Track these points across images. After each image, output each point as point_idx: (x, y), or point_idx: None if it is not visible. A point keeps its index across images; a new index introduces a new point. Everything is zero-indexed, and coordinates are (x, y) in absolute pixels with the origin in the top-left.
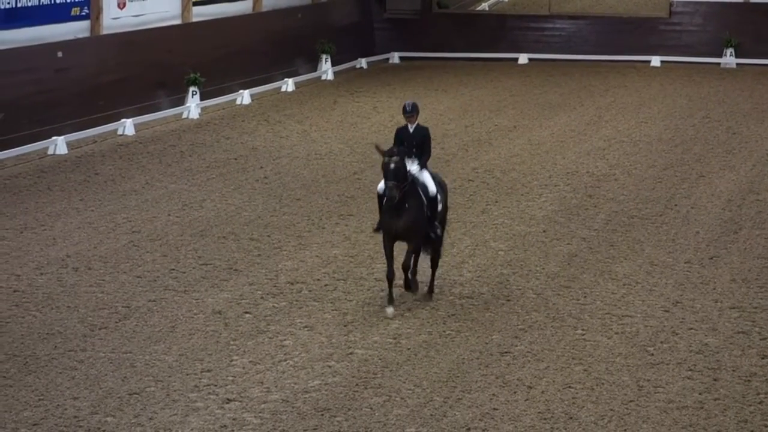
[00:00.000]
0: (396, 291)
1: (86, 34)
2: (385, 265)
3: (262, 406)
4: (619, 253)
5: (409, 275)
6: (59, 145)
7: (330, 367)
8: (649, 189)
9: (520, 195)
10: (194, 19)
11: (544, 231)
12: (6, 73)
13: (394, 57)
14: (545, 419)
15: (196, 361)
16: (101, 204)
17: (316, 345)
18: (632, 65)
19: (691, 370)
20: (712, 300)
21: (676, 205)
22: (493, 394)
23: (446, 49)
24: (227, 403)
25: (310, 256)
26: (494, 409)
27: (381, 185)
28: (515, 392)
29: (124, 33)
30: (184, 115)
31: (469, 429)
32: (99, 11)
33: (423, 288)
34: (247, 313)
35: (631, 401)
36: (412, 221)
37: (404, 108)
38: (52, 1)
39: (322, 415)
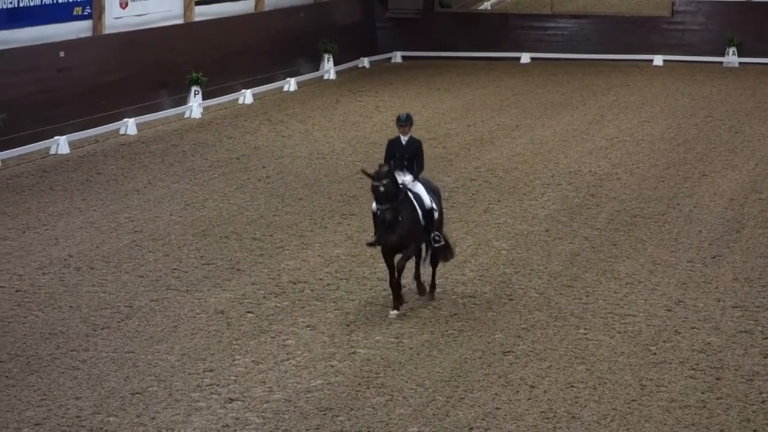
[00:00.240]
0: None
1: (88, 34)
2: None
3: (265, 405)
4: (621, 252)
5: (413, 280)
6: (61, 144)
7: (332, 366)
8: (652, 188)
9: (523, 194)
10: (196, 19)
11: (546, 230)
12: (8, 72)
13: (397, 56)
14: (548, 418)
15: (199, 360)
16: (103, 204)
17: (318, 344)
18: (635, 64)
19: (693, 369)
20: (715, 299)
21: (678, 204)
22: (496, 394)
23: (448, 49)
24: (230, 402)
25: (313, 256)
26: (497, 408)
27: (375, 205)
28: (518, 391)
29: (126, 32)
30: (187, 115)
31: (471, 428)
32: (101, 11)
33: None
34: (249, 312)
35: (633, 400)
36: (406, 233)
37: (399, 118)
38: (55, 1)
39: (325, 414)
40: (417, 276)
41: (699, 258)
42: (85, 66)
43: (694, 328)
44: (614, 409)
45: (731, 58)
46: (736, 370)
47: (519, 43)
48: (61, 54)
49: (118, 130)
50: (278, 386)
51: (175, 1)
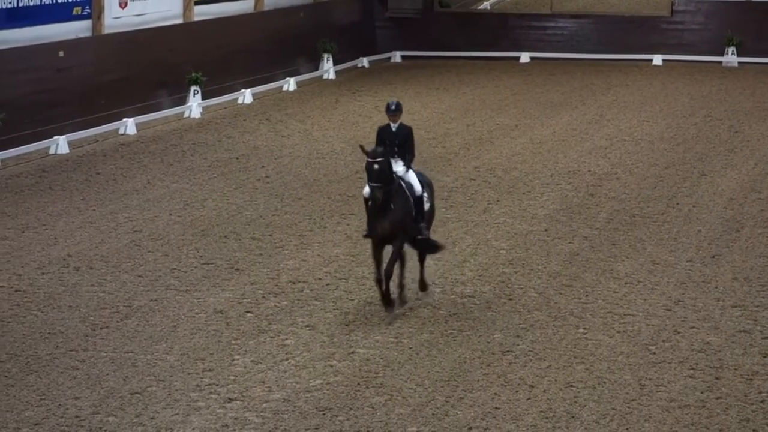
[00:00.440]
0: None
1: (88, 34)
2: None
3: (264, 405)
4: (620, 252)
5: (396, 288)
6: (61, 144)
7: (332, 366)
8: (651, 188)
9: (522, 194)
10: (196, 18)
11: (545, 230)
12: (7, 72)
13: (396, 56)
14: (547, 418)
15: (198, 360)
16: (103, 203)
17: (317, 344)
18: (634, 64)
19: (693, 368)
20: (714, 299)
21: (677, 203)
22: (495, 393)
23: (448, 48)
24: (229, 402)
25: (312, 256)
26: (496, 408)
27: (366, 189)
28: (517, 391)
29: (125, 32)
30: (186, 115)
31: (470, 428)
32: (100, 10)
33: (414, 293)
34: (248, 312)
35: (633, 400)
36: (398, 221)
37: (388, 106)
38: (54, 1)
39: (324, 414)
40: (401, 285)
41: (698, 257)
42: (85, 66)
43: (693, 327)
44: (613, 408)
45: (730, 58)
46: (735, 369)
47: (518, 42)
48: (61, 54)
49: (117, 129)
50: (277, 386)
51: (174, 1)
